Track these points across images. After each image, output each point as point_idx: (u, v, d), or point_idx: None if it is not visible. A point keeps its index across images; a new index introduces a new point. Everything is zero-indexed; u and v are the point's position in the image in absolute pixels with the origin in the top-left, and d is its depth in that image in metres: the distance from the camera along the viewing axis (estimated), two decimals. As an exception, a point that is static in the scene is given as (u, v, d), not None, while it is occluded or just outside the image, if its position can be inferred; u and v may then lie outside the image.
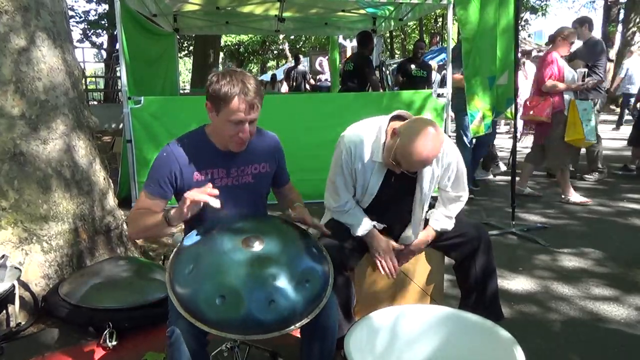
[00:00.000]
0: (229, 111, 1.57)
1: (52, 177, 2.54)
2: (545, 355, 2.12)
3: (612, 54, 12.31)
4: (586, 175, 5.42)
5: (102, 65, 16.95)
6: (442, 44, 11.35)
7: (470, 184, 4.72)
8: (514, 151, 3.98)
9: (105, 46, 14.16)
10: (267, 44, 24.92)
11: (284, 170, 1.94)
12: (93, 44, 14.32)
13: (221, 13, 6.67)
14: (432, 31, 21.03)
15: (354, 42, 6.82)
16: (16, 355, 2.15)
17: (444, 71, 8.80)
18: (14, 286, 2.25)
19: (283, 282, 1.42)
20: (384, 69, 8.41)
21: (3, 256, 2.30)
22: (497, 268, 2.12)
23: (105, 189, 2.91)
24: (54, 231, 2.53)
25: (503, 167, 5.86)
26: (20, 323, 2.29)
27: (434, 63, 9.09)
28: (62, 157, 2.61)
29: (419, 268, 2.15)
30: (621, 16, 14.22)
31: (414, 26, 22.48)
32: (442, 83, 8.00)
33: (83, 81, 3.87)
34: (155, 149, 4.05)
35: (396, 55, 22.32)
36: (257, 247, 1.49)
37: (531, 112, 4.42)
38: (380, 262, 2.02)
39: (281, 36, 20.28)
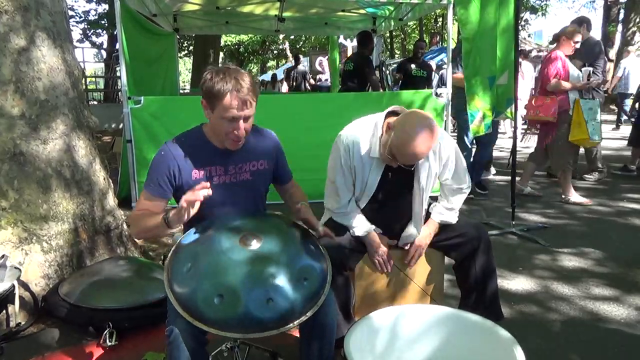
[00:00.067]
0: (222, 108, 1.58)
1: (52, 177, 2.54)
2: (545, 355, 2.12)
3: (612, 53, 12.32)
4: (586, 175, 5.42)
5: (102, 65, 16.97)
6: (442, 44, 11.36)
7: (477, 188, 4.73)
8: (514, 151, 3.98)
9: (105, 46, 14.19)
10: (267, 44, 24.93)
11: (285, 167, 1.94)
12: (93, 44, 14.35)
13: (221, 13, 6.67)
14: (432, 31, 21.03)
15: (355, 42, 6.82)
16: (16, 355, 2.15)
17: (442, 71, 8.87)
18: (14, 286, 2.24)
19: (281, 280, 1.42)
20: (384, 69, 8.43)
21: (3, 256, 2.30)
22: (497, 268, 2.12)
23: (105, 189, 2.91)
24: (54, 231, 2.53)
25: (493, 171, 5.86)
26: (20, 323, 2.29)
27: (432, 63, 9.09)
28: (62, 157, 2.61)
29: (419, 268, 2.15)
30: (621, 16, 14.22)
31: (414, 26, 22.49)
32: (440, 83, 8.02)
33: (83, 81, 3.87)
34: (155, 149, 3.98)
35: (396, 55, 22.33)
36: (255, 245, 1.49)
37: (537, 112, 4.38)
38: (378, 260, 2.04)
39: (281, 36, 20.28)
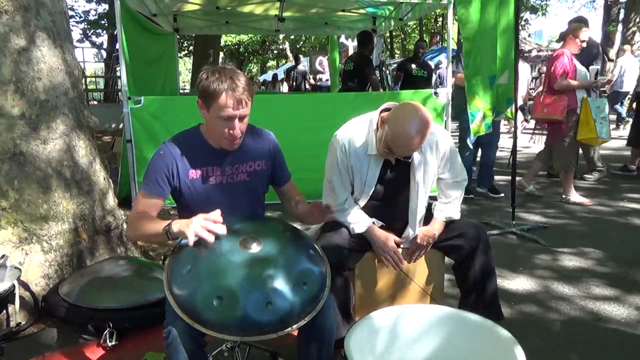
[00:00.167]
0: (218, 107, 1.58)
1: (52, 177, 2.54)
2: (545, 355, 2.12)
3: (613, 53, 12.31)
4: (586, 175, 5.41)
5: (102, 65, 16.97)
6: (442, 44, 11.37)
7: (491, 192, 4.73)
8: (514, 151, 3.98)
9: (105, 46, 14.18)
10: (267, 43, 24.92)
11: (284, 168, 1.93)
12: (93, 44, 14.35)
13: (221, 13, 6.67)
14: (432, 31, 21.04)
15: (356, 42, 6.83)
16: (16, 355, 2.15)
17: (439, 71, 8.87)
18: (14, 286, 2.25)
19: (280, 284, 1.41)
20: (384, 68, 8.42)
21: (3, 256, 2.30)
22: (497, 268, 2.12)
23: (105, 189, 2.91)
24: (54, 231, 2.53)
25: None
26: (20, 323, 2.29)
27: (431, 64, 9.11)
28: (62, 157, 2.61)
29: (419, 268, 2.15)
30: (621, 16, 14.21)
31: (414, 26, 22.49)
32: (439, 83, 8.02)
33: (83, 81, 3.87)
34: (155, 148, 4.01)
35: (396, 55, 22.34)
36: (255, 248, 1.49)
37: (545, 111, 4.33)
38: (385, 257, 2.03)
39: (281, 36, 20.28)
